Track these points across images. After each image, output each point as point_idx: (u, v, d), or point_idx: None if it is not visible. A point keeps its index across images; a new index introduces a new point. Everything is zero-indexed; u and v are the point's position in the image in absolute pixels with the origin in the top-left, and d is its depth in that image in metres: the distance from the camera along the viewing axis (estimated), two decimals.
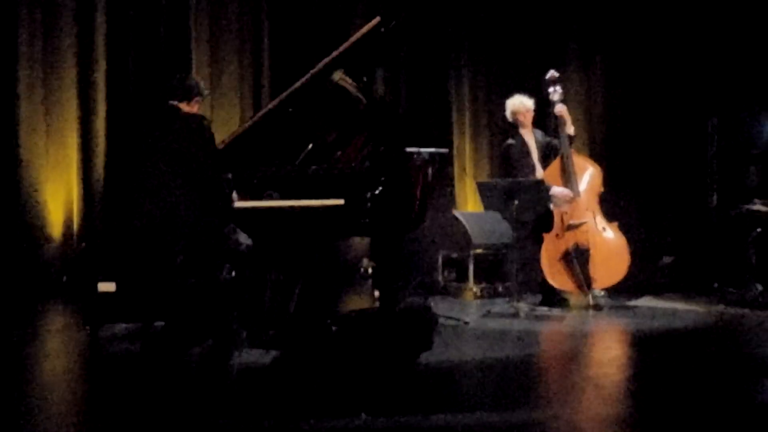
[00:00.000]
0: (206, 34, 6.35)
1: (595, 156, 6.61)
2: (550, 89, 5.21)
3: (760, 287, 5.23)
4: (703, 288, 5.72)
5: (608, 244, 4.93)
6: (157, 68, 6.05)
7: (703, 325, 4.42)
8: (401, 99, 6.92)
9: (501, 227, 5.39)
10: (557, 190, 4.93)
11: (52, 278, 5.75)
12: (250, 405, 2.81)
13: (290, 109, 4.01)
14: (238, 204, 3.72)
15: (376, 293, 5.04)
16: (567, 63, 6.93)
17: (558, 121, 5.14)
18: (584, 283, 4.82)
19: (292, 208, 3.66)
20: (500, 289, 5.76)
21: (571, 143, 5.14)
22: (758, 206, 5.27)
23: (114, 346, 3.84)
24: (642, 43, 6.65)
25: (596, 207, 5.03)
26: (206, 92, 3.71)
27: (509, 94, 5.50)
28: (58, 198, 5.93)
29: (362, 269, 5.98)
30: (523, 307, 4.71)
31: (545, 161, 5.21)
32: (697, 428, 2.57)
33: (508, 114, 5.31)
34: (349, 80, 3.89)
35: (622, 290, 5.23)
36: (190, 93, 3.56)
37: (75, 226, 5.95)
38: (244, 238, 3.51)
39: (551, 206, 4.91)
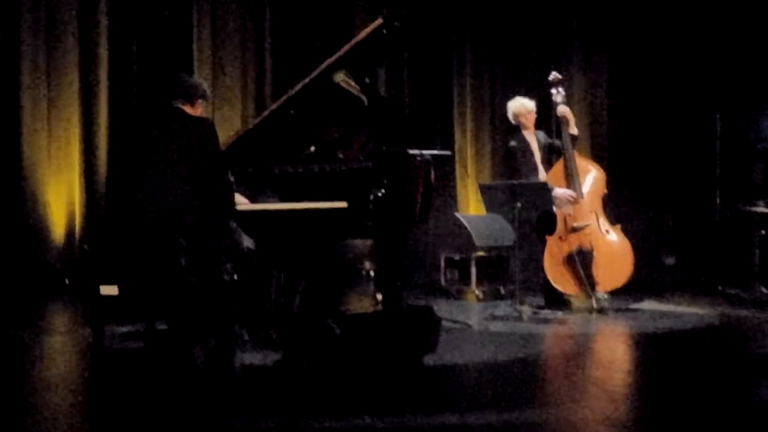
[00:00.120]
0: (208, 35, 6.35)
1: (598, 155, 6.61)
2: (553, 91, 5.20)
3: (764, 289, 5.21)
4: (706, 289, 5.71)
5: (611, 247, 4.92)
6: (160, 70, 6.05)
7: (707, 327, 4.40)
8: (404, 100, 6.92)
9: (503, 229, 5.39)
10: (560, 191, 4.92)
11: (54, 280, 5.75)
12: (252, 406, 2.80)
13: (292, 111, 4.01)
14: (242, 207, 3.71)
15: (379, 295, 5.04)
16: (570, 62, 6.93)
17: (560, 122, 5.13)
18: (587, 285, 4.80)
19: (295, 210, 3.65)
20: (503, 291, 5.75)
21: (574, 144, 5.14)
22: (762, 208, 5.25)
23: (117, 346, 3.83)
24: (645, 41, 6.65)
25: (599, 209, 5.02)
26: (210, 94, 3.71)
27: (512, 94, 5.50)
28: (61, 200, 5.93)
29: (364, 271, 5.97)
30: (526, 309, 4.69)
31: (548, 163, 5.20)
32: (701, 430, 2.55)
33: (510, 116, 5.30)
34: (352, 81, 3.89)
35: (625, 292, 5.22)
36: (193, 95, 3.56)
37: (77, 228, 5.94)
38: (246, 240, 3.51)
39: (554, 208, 4.90)
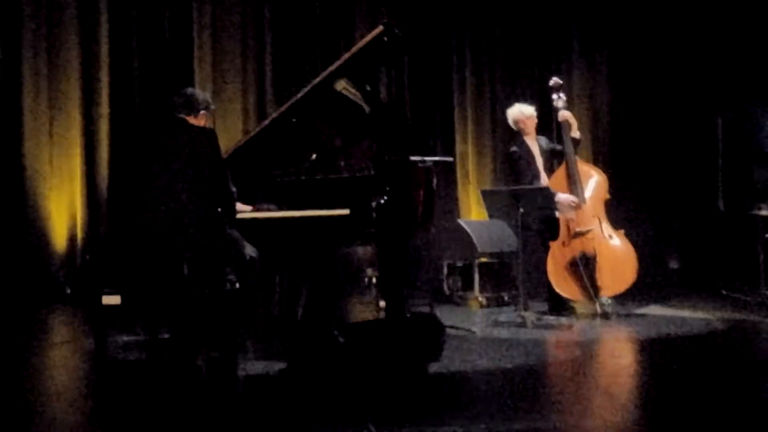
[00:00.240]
0: (209, 43, 6.37)
1: (600, 159, 6.61)
2: (554, 96, 5.20)
3: None
4: (711, 294, 5.69)
5: (615, 252, 4.90)
6: (161, 79, 6.07)
7: (712, 332, 4.38)
8: (405, 106, 6.92)
9: (506, 235, 5.37)
10: (562, 196, 4.91)
11: (56, 289, 5.74)
12: (256, 415, 2.78)
13: (294, 119, 4.01)
14: (245, 215, 3.71)
15: (382, 302, 5.02)
16: (570, 66, 6.94)
17: (562, 127, 5.13)
18: (591, 290, 4.78)
19: (297, 218, 3.64)
20: (506, 297, 5.73)
21: (576, 148, 5.13)
22: (766, 211, 5.23)
23: (119, 356, 3.82)
24: (647, 43, 6.65)
25: (602, 214, 5.00)
26: (213, 106, 3.72)
27: (513, 99, 5.50)
28: (62, 209, 5.93)
29: (366, 278, 5.96)
30: (529, 315, 4.68)
31: (550, 169, 5.19)
32: None
33: (510, 123, 5.31)
34: (353, 89, 3.89)
35: (629, 297, 5.20)
36: (197, 107, 3.57)
37: (79, 237, 5.94)
38: (250, 250, 3.50)
39: (557, 213, 4.89)
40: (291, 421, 2.72)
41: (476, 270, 5.73)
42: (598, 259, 4.84)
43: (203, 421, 2.73)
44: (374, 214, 3.49)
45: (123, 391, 3.23)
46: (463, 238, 5.82)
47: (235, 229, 3.54)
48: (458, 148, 7.16)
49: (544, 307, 5.06)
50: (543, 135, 5.35)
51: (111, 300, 3.73)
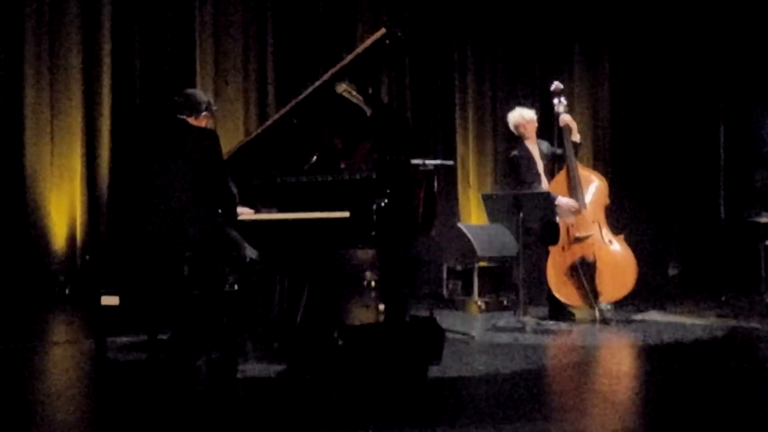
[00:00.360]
0: (211, 45, 6.37)
1: (601, 163, 6.61)
2: (555, 100, 5.21)
3: None
4: (711, 299, 5.68)
5: (615, 257, 4.90)
6: (162, 80, 6.07)
7: (712, 338, 4.38)
8: (406, 109, 6.92)
9: (506, 239, 5.37)
10: (563, 200, 4.91)
11: (55, 290, 5.73)
12: (255, 418, 2.77)
13: (294, 121, 4.00)
14: (245, 216, 3.70)
15: (381, 305, 5.01)
16: (571, 70, 6.94)
17: (563, 131, 5.13)
18: (591, 296, 4.78)
19: (298, 220, 3.64)
20: (505, 302, 5.72)
21: (577, 152, 5.13)
22: (766, 218, 5.23)
23: (118, 357, 3.81)
24: (648, 46, 6.65)
25: (602, 219, 5.00)
26: (214, 107, 3.72)
27: (514, 104, 5.51)
28: (63, 210, 5.93)
29: (366, 281, 5.95)
30: (529, 320, 4.67)
31: (551, 172, 5.19)
32: None
33: (510, 127, 5.31)
34: (354, 91, 3.88)
35: (629, 303, 5.19)
36: (199, 108, 3.57)
37: (79, 238, 5.94)
38: (250, 251, 3.49)
39: (557, 218, 4.89)
40: (290, 423, 2.71)
41: (476, 274, 5.72)
42: (597, 264, 4.84)
43: (202, 423, 2.72)
44: (375, 217, 3.48)
45: (122, 392, 3.22)
46: (462, 241, 5.82)
47: (236, 230, 3.54)
48: (459, 151, 7.17)
49: (544, 312, 5.05)
50: (544, 139, 5.36)
51: (110, 300, 3.73)
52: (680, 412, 2.84)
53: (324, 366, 3.37)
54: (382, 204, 3.51)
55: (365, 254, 5.83)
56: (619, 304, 5.00)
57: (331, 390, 3.13)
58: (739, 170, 6.15)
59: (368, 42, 3.85)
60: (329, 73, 3.89)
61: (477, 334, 4.52)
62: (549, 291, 4.97)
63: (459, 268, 5.94)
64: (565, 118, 5.13)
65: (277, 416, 2.81)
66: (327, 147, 4.02)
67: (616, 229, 5.05)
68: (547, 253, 4.97)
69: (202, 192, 3.39)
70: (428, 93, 7.03)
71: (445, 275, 6.03)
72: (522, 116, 5.21)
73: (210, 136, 3.49)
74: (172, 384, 3.27)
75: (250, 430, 2.63)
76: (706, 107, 6.36)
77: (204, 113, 3.60)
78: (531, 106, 5.42)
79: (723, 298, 5.58)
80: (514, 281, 5.50)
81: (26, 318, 5.14)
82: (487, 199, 4.87)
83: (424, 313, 4.77)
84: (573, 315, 5.00)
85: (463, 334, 4.43)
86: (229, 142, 4.85)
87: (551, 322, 4.82)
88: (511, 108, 5.45)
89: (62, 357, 4.02)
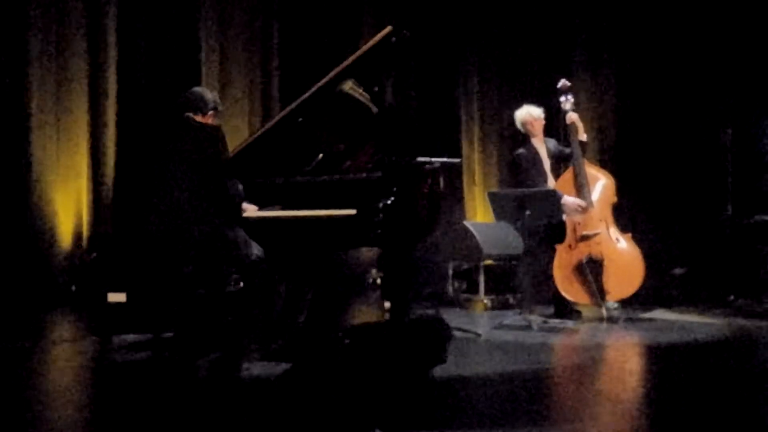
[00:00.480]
0: (216, 43, 6.37)
1: (606, 164, 6.57)
2: (562, 98, 5.18)
3: None
4: (717, 300, 5.65)
5: (622, 256, 4.87)
6: (167, 79, 6.06)
7: (718, 338, 4.35)
8: (411, 108, 6.90)
9: (512, 238, 5.34)
10: (569, 199, 4.89)
11: (61, 287, 5.74)
12: (259, 418, 2.76)
13: (300, 119, 3.99)
14: (250, 214, 3.69)
15: (386, 304, 5.00)
16: (576, 70, 6.90)
17: (569, 129, 5.10)
18: (598, 295, 4.76)
19: (303, 218, 3.63)
20: (511, 300, 5.70)
21: (584, 151, 5.11)
22: None
23: (123, 356, 3.81)
24: (653, 49, 6.61)
25: (609, 217, 4.97)
26: (221, 107, 3.72)
27: (519, 102, 5.48)
28: (68, 207, 5.94)
29: (370, 280, 5.94)
30: (535, 319, 4.65)
31: (557, 171, 5.16)
32: None
33: (517, 124, 5.29)
34: (359, 90, 3.87)
35: (635, 302, 5.17)
36: (205, 106, 3.56)
37: (84, 236, 5.95)
38: (255, 250, 3.49)
39: (563, 216, 4.86)
40: (294, 424, 2.70)
41: (481, 272, 5.71)
42: (605, 262, 4.81)
43: (205, 422, 2.71)
44: (380, 216, 3.47)
45: (126, 390, 3.22)
46: (468, 240, 5.80)
47: (241, 229, 3.53)
48: (464, 150, 7.14)
49: (550, 310, 5.03)
50: (551, 138, 5.33)
51: (116, 298, 3.73)
52: (687, 412, 2.82)
53: (328, 365, 3.37)
54: (388, 203, 3.50)
55: (370, 253, 5.82)
56: (625, 303, 4.97)
57: (336, 389, 3.12)
58: (746, 172, 6.11)
59: (374, 40, 3.84)
60: (334, 71, 3.88)
61: (483, 332, 4.50)
62: (555, 289, 4.95)
63: (465, 266, 5.92)
64: (572, 116, 5.11)
65: (281, 416, 2.81)
66: (332, 146, 4.01)
67: (623, 228, 5.02)
68: (554, 251, 4.95)
69: (205, 191, 3.38)
70: (433, 91, 7.01)
71: (450, 273, 6.01)
72: (530, 113, 5.19)
73: (213, 134, 3.48)
74: (175, 382, 3.27)
75: (252, 430, 2.62)
76: (713, 109, 6.32)
77: (210, 112, 3.60)
78: (537, 105, 5.38)
79: (730, 298, 5.55)
80: (520, 279, 5.48)
81: (31, 316, 5.16)
82: (493, 197, 4.85)
83: (430, 312, 4.76)
84: (579, 313, 4.98)
85: (469, 332, 4.42)
86: (235, 140, 4.84)
87: (557, 321, 4.80)
88: (516, 106, 5.42)
89: (67, 355, 4.02)
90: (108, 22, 6.05)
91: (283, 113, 4.03)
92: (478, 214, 7.01)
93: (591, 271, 4.78)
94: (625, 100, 6.83)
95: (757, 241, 5.40)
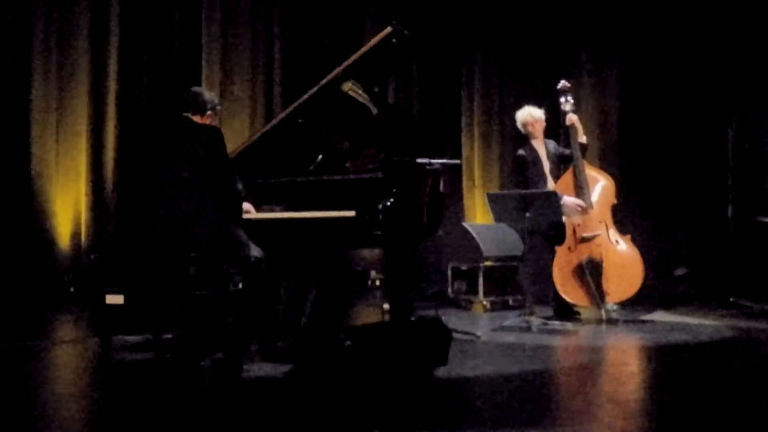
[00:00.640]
0: (218, 45, 6.37)
1: (609, 165, 6.57)
2: (562, 99, 5.19)
3: None
4: (718, 301, 5.65)
5: (622, 257, 4.87)
6: (169, 80, 6.07)
7: (720, 340, 4.35)
8: (412, 109, 6.91)
9: (512, 239, 5.34)
10: (569, 200, 4.89)
11: (61, 289, 5.74)
12: (261, 419, 2.76)
13: (300, 120, 3.99)
14: (250, 215, 3.69)
15: (386, 305, 5.00)
16: (579, 71, 6.91)
17: (569, 131, 5.11)
18: (597, 296, 4.76)
19: (304, 219, 3.63)
20: (511, 302, 5.70)
21: (584, 153, 5.11)
22: None
23: (124, 357, 3.81)
24: (656, 50, 6.62)
25: (609, 219, 4.98)
26: (219, 107, 3.72)
27: (520, 104, 5.49)
28: (68, 208, 5.94)
29: (371, 281, 5.94)
30: (535, 320, 4.65)
31: (558, 172, 5.17)
32: None
33: (518, 125, 5.29)
34: (360, 90, 3.87)
35: (635, 303, 5.17)
36: (204, 107, 3.57)
37: (84, 237, 5.95)
38: (255, 250, 3.49)
39: (563, 217, 4.87)
40: (295, 424, 2.70)
41: (481, 274, 5.71)
42: (604, 264, 4.81)
43: (207, 423, 2.71)
44: (381, 217, 3.47)
45: (127, 391, 3.22)
46: (468, 241, 5.79)
47: (242, 230, 3.53)
48: (464, 151, 7.14)
49: (550, 312, 5.03)
50: (551, 139, 5.33)
51: (115, 299, 3.73)
52: (688, 413, 2.82)
53: (330, 366, 3.37)
54: (388, 204, 3.50)
55: (371, 254, 5.82)
56: (625, 305, 4.97)
57: (337, 391, 3.12)
58: (748, 172, 6.11)
59: (375, 40, 3.84)
60: (335, 72, 3.88)
61: (483, 333, 4.50)
62: (555, 291, 4.95)
63: (464, 267, 5.92)
64: (572, 118, 5.12)
65: (283, 417, 2.80)
66: (333, 146, 4.01)
67: (623, 230, 5.02)
68: (554, 252, 4.95)
69: (206, 191, 3.38)
70: (434, 92, 7.01)
71: (450, 275, 6.01)
72: (531, 115, 5.19)
73: (213, 134, 3.49)
74: (177, 384, 3.27)
75: (254, 431, 2.62)
76: (715, 110, 6.32)
77: (209, 112, 3.61)
78: (538, 107, 5.38)
79: (731, 299, 5.55)
80: (520, 281, 5.49)
81: (32, 317, 5.15)
82: (492, 198, 4.85)
83: (430, 313, 4.76)
84: (579, 315, 4.99)
85: (469, 333, 4.42)
86: (236, 141, 4.85)
87: (557, 322, 4.80)
88: (517, 108, 5.43)
89: (67, 356, 4.02)
90: (110, 23, 6.06)
91: (283, 114, 4.03)
92: (478, 216, 7.01)
93: (590, 272, 4.78)
94: (628, 101, 6.83)
95: (758, 242, 5.40)
